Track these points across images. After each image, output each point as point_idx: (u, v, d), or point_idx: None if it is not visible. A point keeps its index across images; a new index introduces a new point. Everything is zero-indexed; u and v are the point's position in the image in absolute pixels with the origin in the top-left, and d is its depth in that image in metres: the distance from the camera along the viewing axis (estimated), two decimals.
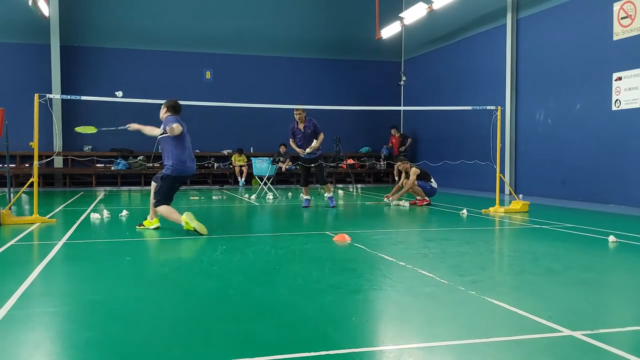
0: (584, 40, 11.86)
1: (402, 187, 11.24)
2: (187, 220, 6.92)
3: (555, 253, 5.81)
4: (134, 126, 7.86)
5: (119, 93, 9.25)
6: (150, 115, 17.10)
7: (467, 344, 3.04)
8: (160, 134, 7.37)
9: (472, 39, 15.80)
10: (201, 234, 6.83)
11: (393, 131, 17.98)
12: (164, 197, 7.24)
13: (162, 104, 7.59)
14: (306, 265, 5.15)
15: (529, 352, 2.94)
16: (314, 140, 10.28)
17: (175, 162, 7.18)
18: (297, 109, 10.26)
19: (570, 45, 12.25)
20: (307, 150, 10.27)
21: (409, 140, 17.81)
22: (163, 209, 7.18)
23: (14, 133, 8.79)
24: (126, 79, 17.26)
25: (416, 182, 10.88)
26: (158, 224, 7.41)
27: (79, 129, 8.64)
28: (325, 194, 10.67)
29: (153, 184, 7.43)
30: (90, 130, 8.45)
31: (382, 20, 17.17)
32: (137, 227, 7.52)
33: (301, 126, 10.30)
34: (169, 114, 7.36)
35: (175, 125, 7.02)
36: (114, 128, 8.52)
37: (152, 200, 7.35)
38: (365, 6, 18.44)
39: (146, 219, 7.54)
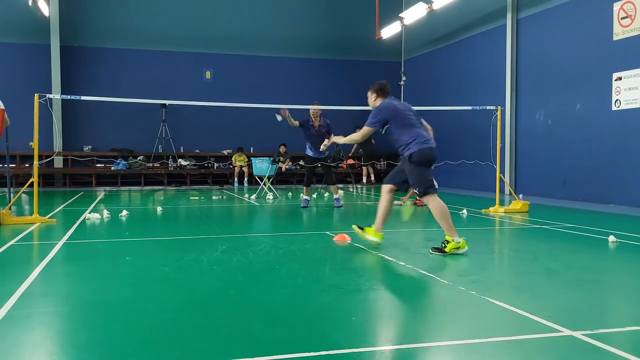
0: (584, 40, 11.86)
1: None
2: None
3: (555, 253, 5.81)
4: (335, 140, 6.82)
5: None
6: (150, 114, 17.23)
7: (467, 343, 3.04)
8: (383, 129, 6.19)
9: (472, 39, 15.80)
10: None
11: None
12: (427, 183, 5.77)
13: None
14: (306, 265, 5.15)
15: (529, 352, 2.94)
16: (327, 140, 10.33)
17: (418, 140, 5.74)
18: (316, 109, 10.38)
19: (570, 45, 12.25)
20: (321, 147, 10.33)
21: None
22: (438, 203, 5.70)
23: (14, 133, 8.79)
24: (126, 79, 17.27)
25: None
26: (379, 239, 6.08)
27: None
28: (334, 195, 10.69)
29: (387, 187, 6.02)
30: None
31: (382, 20, 17.16)
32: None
33: (316, 124, 10.40)
34: (379, 100, 6.26)
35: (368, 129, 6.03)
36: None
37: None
38: (365, 6, 18.43)
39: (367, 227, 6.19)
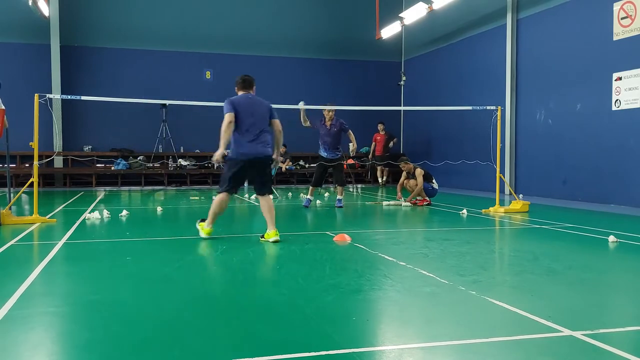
0: (584, 40, 11.86)
1: (404, 186, 11.24)
2: (208, 231, 6.59)
3: (555, 253, 5.81)
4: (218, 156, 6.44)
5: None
6: (150, 114, 17.22)
7: (467, 344, 3.04)
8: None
9: (472, 39, 15.80)
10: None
11: (380, 127, 17.71)
12: (223, 182, 6.54)
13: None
14: (306, 265, 5.15)
15: (529, 352, 2.94)
16: (350, 143, 11.13)
17: (233, 145, 6.40)
18: (330, 110, 10.53)
19: (570, 45, 12.25)
20: (351, 150, 11.39)
21: (394, 139, 17.85)
22: (216, 199, 6.56)
23: (14, 133, 8.79)
24: (126, 79, 17.26)
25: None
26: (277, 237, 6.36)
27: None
28: (338, 196, 10.69)
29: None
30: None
31: (382, 20, 17.15)
32: (260, 238, 6.55)
33: (328, 124, 10.48)
34: (238, 92, 6.66)
35: (225, 116, 6.28)
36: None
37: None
38: (365, 6, 18.43)
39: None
